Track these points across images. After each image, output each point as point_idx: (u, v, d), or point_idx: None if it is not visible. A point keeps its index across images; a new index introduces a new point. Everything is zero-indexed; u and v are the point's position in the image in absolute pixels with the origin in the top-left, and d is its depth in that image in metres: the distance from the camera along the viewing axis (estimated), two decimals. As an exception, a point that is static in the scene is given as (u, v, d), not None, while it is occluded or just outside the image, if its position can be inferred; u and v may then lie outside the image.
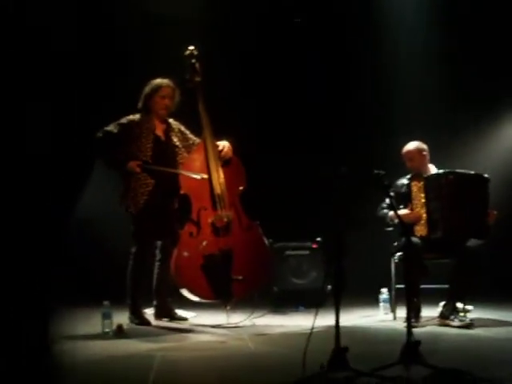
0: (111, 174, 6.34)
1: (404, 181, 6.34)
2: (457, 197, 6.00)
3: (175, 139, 6.33)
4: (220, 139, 6.30)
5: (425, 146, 6.38)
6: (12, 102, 4.30)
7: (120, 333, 5.58)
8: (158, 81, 6.26)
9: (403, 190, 6.28)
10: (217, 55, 7.69)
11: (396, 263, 6.38)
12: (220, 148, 6.27)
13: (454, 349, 5.02)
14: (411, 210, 6.15)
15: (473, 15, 8.14)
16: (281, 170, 7.90)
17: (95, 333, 5.63)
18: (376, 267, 6.99)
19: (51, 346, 3.48)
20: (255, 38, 8.10)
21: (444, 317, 5.98)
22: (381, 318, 6.50)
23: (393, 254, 6.37)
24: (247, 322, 6.07)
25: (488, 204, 6.11)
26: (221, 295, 5.98)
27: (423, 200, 6.10)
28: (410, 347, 4.11)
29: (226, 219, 6.11)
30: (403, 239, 5.96)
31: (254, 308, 6.27)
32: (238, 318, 6.09)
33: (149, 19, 7.78)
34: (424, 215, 6.08)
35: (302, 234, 7.42)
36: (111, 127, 6.11)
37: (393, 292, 6.44)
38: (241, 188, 6.28)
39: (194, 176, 6.10)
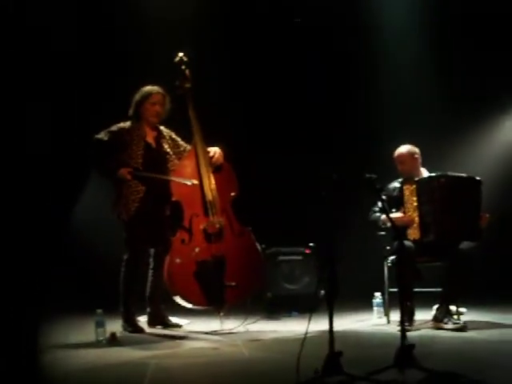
0: (103, 180, 6.33)
1: (396, 184, 6.34)
2: (449, 200, 6.00)
3: (166, 146, 6.33)
4: (211, 145, 6.30)
5: (416, 150, 6.39)
6: (12, 102, 4.29)
7: (113, 341, 5.56)
8: (148, 88, 6.26)
9: (395, 193, 6.29)
10: (210, 58, 7.71)
11: (389, 267, 6.38)
12: (211, 154, 6.26)
13: (448, 352, 5.03)
14: (403, 213, 6.15)
15: (463, 17, 8.16)
16: (273, 175, 7.92)
17: (89, 341, 5.62)
18: (369, 271, 6.99)
19: (40, 356, 3.46)
20: (251, 39, 8.11)
21: (437, 320, 5.98)
22: (374, 321, 6.50)
23: (386, 258, 6.37)
24: (241, 328, 6.06)
25: (480, 207, 6.11)
26: (214, 302, 5.97)
27: (415, 203, 6.10)
28: (404, 351, 4.11)
29: (217, 225, 6.11)
30: (396, 243, 5.96)
31: (248, 314, 6.26)
32: (232, 325, 6.08)
33: (146, 21, 7.77)
34: (416, 219, 6.08)
35: (294, 240, 7.42)
36: (101, 135, 6.11)
37: (386, 296, 6.44)
38: (232, 194, 6.28)
39: (185, 182, 6.10)
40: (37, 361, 3.45)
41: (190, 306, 6.06)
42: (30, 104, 4.50)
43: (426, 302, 6.23)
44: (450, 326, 5.84)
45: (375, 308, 6.61)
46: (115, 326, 5.98)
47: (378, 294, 6.61)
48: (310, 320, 4.28)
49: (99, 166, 6.12)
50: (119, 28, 7.58)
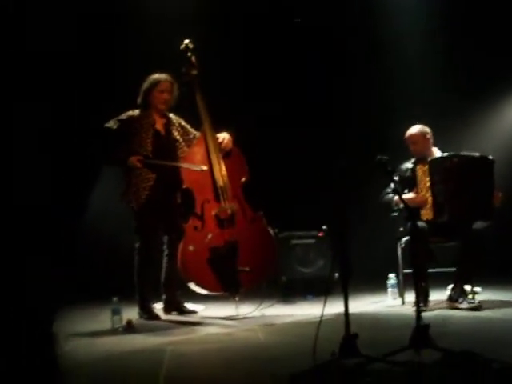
0: (113, 169, 6.34)
1: (408, 165, 6.33)
2: (462, 179, 5.98)
3: (175, 133, 6.33)
4: (220, 131, 6.30)
5: (428, 129, 6.36)
6: (9, 102, 4.29)
7: (130, 328, 5.59)
8: (156, 76, 6.25)
9: (408, 174, 6.27)
10: (216, 47, 7.69)
11: (402, 248, 6.37)
12: (220, 140, 6.26)
13: (463, 331, 5.03)
14: (416, 193, 6.14)
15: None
16: (284, 158, 7.90)
17: (105, 329, 5.65)
18: (383, 253, 6.99)
19: (56, 345, 3.48)
20: (255, 30, 8.09)
21: (452, 300, 5.99)
22: (389, 303, 6.51)
23: (399, 239, 6.37)
24: (256, 313, 6.07)
25: (493, 186, 6.09)
26: (228, 287, 5.99)
27: (428, 183, 6.09)
28: (420, 331, 4.11)
29: (229, 211, 6.12)
30: (409, 224, 5.95)
31: (263, 298, 6.28)
32: (247, 309, 6.09)
33: (147, 14, 7.77)
34: (429, 199, 6.07)
35: (307, 223, 7.42)
36: (111, 123, 6.11)
37: (400, 277, 6.43)
38: (243, 179, 6.29)
39: (194, 168, 6.10)
40: (52, 350, 3.46)
41: (204, 292, 6.09)
42: (28, 104, 4.51)
43: (440, 282, 6.22)
44: (464, 305, 5.85)
45: (390, 289, 6.62)
46: (131, 313, 6.01)
47: (392, 276, 6.62)
48: (325, 303, 4.29)
49: (108, 154, 6.13)
50: (117, 23, 7.58)
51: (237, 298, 6.04)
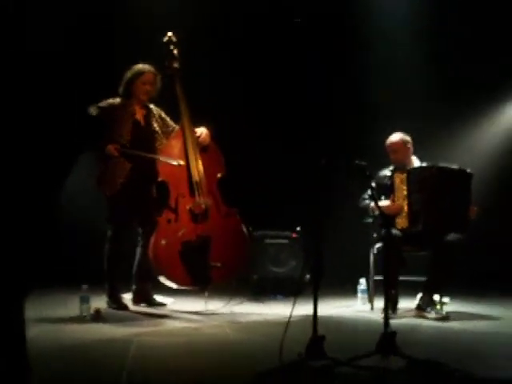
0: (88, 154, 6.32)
1: (387, 172, 6.35)
2: (439, 190, 6.02)
3: (155, 125, 6.31)
4: (198, 126, 6.29)
5: (408, 138, 6.38)
6: None
7: (97, 317, 5.56)
8: (140, 66, 6.22)
9: (385, 181, 6.29)
10: (204, 44, 7.70)
11: (375, 254, 6.40)
12: (198, 134, 6.26)
13: (429, 341, 5.07)
14: (393, 201, 6.16)
15: (460, 4, 8.16)
16: (262, 157, 7.91)
17: (73, 316, 5.62)
18: (355, 258, 7.01)
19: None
20: (244, 28, 8.11)
21: (421, 309, 6.02)
22: (358, 308, 6.53)
23: (371, 245, 6.39)
24: (225, 310, 6.08)
25: (470, 199, 6.14)
26: (199, 282, 5.99)
27: (405, 192, 6.11)
28: (387, 338, 4.14)
29: (203, 206, 6.12)
30: (383, 231, 5.98)
31: (232, 295, 6.29)
32: (216, 305, 6.10)
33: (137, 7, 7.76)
34: (405, 207, 6.09)
35: (281, 223, 7.43)
36: (91, 110, 6.07)
37: (371, 283, 6.46)
38: (219, 175, 6.29)
39: (171, 162, 6.09)
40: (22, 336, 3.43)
41: (174, 285, 6.08)
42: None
43: (410, 290, 6.25)
44: (432, 315, 5.89)
45: (359, 294, 6.64)
46: (101, 302, 5.99)
47: (362, 281, 6.64)
48: (294, 304, 4.30)
49: (86, 140, 6.10)
50: (104, 15, 7.57)
51: (206, 293, 6.04)
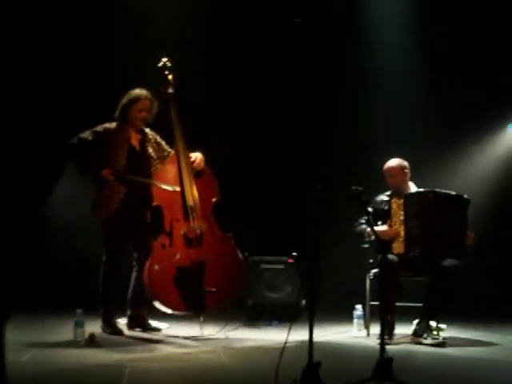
0: (84, 178, 6.31)
1: (384, 197, 6.35)
2: (436, 216, 6.02)
3: (150, 150, 6.30)
4: (193, 150, 6.28)
5: (406, 163, 6.38)
6: None
7: (92, 342, 5.53)
8: (137, 92, 6.21)
9: (382, 206, 6.29)
10: (196, 60, 7.74)
11: (371, 280, 6.38)
12: (192, 159, 6.25)
13: (426, 367, 5.04)
14: (390, 226, 6.15)
15: (455, 29, 8.22)
16: (258, 182, 7.90)
17: (67, 341, 5.58)
18: (351, 283, 6.98)
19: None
20: (237, 42, 8.14)
21: (417, 335, 5.99)
22: (354, 334, 6.48)
23: (368, 271, 6.37)
24: (220, 335, 6.04)
25: (467, 225, 6.14)
26: (193, 307, 5.96)
27: (402, 217, 6.10)
28: (383, 364, 4.12)
29: (198, 230, 6.10)
30: (379, 256, 5.96)
31: (228, 321, 6.26)
32: (212, 331, 6.06)
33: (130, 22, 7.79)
34: (402, 233, 6.08)
35: (278, 248, 7.40)
36: (86, 134, 6.09)
37: (367, 308, 6.43)
38: (214, 199, 6.27)
39: (167, 187, 6.08)
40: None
41: (169, 311, 6.05)
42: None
43: (406, 316, 6.22)
44: (429, 341, 5.86)
45: (355, 320, 6.60)
46: (95, 326, 5.95)
47: (358, 307, 6.60)
48: (290, 329, 4.28)
49: (81, 165, 6.12)
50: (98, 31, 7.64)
51: (201, 319, 6.01)
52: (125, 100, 6.22)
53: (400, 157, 6.43)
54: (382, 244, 5.36)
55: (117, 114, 6.23)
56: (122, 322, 6.32)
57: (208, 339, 5.88)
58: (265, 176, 7.93)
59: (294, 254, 7.28)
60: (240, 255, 6.25)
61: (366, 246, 6.32)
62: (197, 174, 6.26)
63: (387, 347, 4.24)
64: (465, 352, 5.65)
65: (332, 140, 8.16)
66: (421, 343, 5.88)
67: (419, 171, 6.59)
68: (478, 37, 8.25)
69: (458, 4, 8.22)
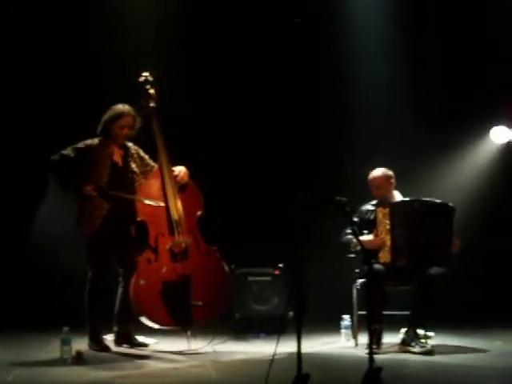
0: (66, 196, 6.27)
1: (369, 207, 6.36)
2: (422, 225, 6.04)
3: (133, 165, 6.27)
4: (176, 164, 6.26)
5: (391, 173, 6.39)
6: None
7: (79, 360, 5.49)
8: (119, 108, 6.18)
9: (368, 215, 6.30)
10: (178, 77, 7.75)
11: (358, 290, 6.37)
12: (176, 173, 6.23)
13: (415, 376, 5.04)
14: (376, 236, 6.15)
15: (438, 34, 8.27)
16: (243, 195, 7.90)
17: (54, 359, 5.54)
18: (338, 294, 6.97)
19: None
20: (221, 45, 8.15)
21: (405, 343, 5.98)
22: (343, 344, 6.48)
23: (354, 281, 6.37)
24: (208, 349, 6.01)
25: (452, 233, 6.16)
26: (180, 321, 5.94)
27: (388, 226, 6.11)
28: (372, 374, 4.11)
29: (183, 245, 6.08)
30: (366, 266, 5.96)
31: (215, 334, 6.23)
32: (199, 344, 6.03)
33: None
34: (388, 242, 6.09)
35: (264, 261, 7.39)
36: (68, 151, 6.06)
37: (355, 319, 6.42)
38: (198, 213, 6.25)
39: (151, 203, 6.06)
40: None
41: (156, 326, 6.02)
42: None
43: (394, 325, 6.22)
44: (417, 349, 5.86)
45: (343, 330, 6.59)
46: (82, 344, 5.91)
47: (346, 317, 6.59)
48: (278, 342, 4.26)
49: (63, 181, 6.09)
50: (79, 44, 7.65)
51: (189, 333, 5.99)
52: (107, 116, 6.19)
53: (384, 166, 6.43)
54: (368, 254, 5.36)
55: (99, 129, 6.21)
56: (108, 339, 6.29)
57: (196, 353, 5.86)
58: (249, 188, 7.93)
59: (281, 265, 7.27)
60: (226, 268, 6.24)
61: (352, 255, 6.32)
62: (181, 188, 6.24)
63: (376, 357, 4.23)
64: (453, 359, 5.65)
65: (316, 150, 8.19)
66: (409, 352, 5.88)
67: (403, 180, 6.60)
68: (461, 44, 8.32)
69: (443, 8, 8.27)
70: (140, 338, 6.34)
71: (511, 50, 8.29)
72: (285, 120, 8.13)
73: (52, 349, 5.79)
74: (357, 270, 6.30)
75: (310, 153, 8.17)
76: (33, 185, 7.69)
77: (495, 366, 5.39)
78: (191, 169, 6.33)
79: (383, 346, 6.01)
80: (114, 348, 6.13)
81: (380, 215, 6.18)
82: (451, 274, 6.14)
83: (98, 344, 6.04)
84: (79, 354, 5.53)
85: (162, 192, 6.16)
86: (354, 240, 6.11)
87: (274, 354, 4.17)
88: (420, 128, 8.27)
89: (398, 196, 6.39)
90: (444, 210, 6.18)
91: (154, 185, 6.20)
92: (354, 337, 6.41)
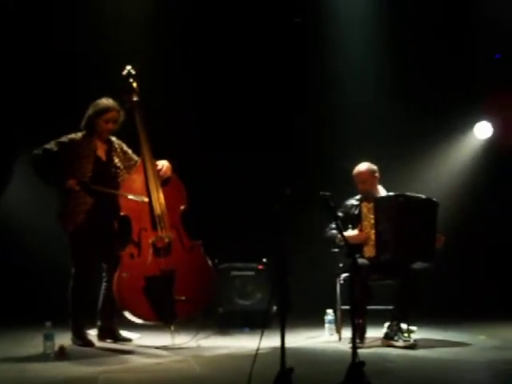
0: (51, 190, 6.23)
1: (353, 201, 6.37)
2: (407, 220, 6.05)
3: (116, 160, 6.24)
4: (160, 158, 6.24)
5: (375, 168, 6.40)
6: None
7: (62, 355, 5.47)
8: (104, 103, 6.13)
9: (353, 210, 6.31)
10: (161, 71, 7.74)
11: (341, 284, 6.38)
12: (159, 167, 6.20)
13: (397, 369, 5.05)
14: (360, 230, 6.16)
15: (423, 32, 8.30)
16: (227, 189, 7.90)
17: (36, 354, 5.52)
18: (321, 288, 6.99)
19: None
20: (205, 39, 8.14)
21: (388, 337, 6.00)
22: (326, 339, 6.50)
23: (338, 275, 6.38)
24: (192, 344, 6.01)
25: (436, 228, 6.17)
26: (164, 316, 5.92)
27: (373, 221, 6.11)
28: (355, 368, 4.11)
29: (166, 239, 6.06)
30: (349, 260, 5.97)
31: (199, 329, 6.22)
32: (183, 339, 6.02)
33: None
34: (373, 236, 6.10)
35: (247, 255, 7.39)
36: (51, 145, 6.02)
37: (338, 313, 6.43)
38: (182, 207, 6.23)
39: (135, 199, 6.04)
40: None
41: (139, 320, 6.00)
42: None
43: (377, 319, 6.24)
44: (400, 343, 5.88)
45: (327, 325, 6.61)
46: (65, 339, 5.89)
47: (330, 311, 6.61)
48: (261, 336, 4.26)
49: (46, 175, 6.03)
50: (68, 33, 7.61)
51: (172, 328, 5.97)
52: (91, 111, 6.14)
53: (368, 161, 6.44)
54: (351, 248, 5.37)
55: (83, 124, 6.17)
56: (92, 334, 6.27)
57: (179, 348, 5.85)
58: (233, 182, 7.93)
59: (264, 260, 7.28)
60: (210, 263, 6.23)
61: (336, 250, 6.33)
62: (164, 182, 6.22)
63: (359, 351, 4.23)
64: (436, 353, 5.67)
65: (301, 145, 8.20)
66: (392, 346, 5.90)
67: (388, 176, 6.61)
68: (447, 41, 8.36)
69: (430, 6, 8.30)
70: (123, 333, 6.32)
71: (496, 46, 8.34)
72: (271, 115, 8.13)
73: (35, 344, 5.76)
74: (341, 265, 6.32)
75: (296, 148, 8.18)
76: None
77: (478, 359, 5.42)
78: (174, 163, 6.31)
79: (366, 340, 6.02)
80: (97, 343, 6.11)
81: (365, 210, 6.18)
82: (435, 268, 6.16)
83: (81, 339, 6.02)
84: (62, 349, 5.51)
85: (145, 186, 6.13)
86: (339, 235, 6.13)
87: (258, 349, 4.17)
88: (405, 124, 8.31)
89: (382, 191, 6.40)
90: (429, 205, 6.20)
91: (137, 179, 6.16)
92: (338, 331, 6.43)
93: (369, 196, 6.27)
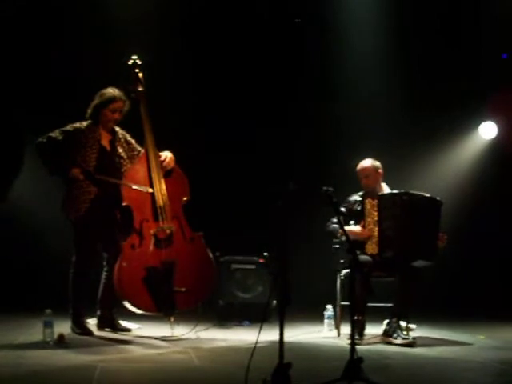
0: (54, 179, 6.22)
1: (357, 197, 6.36)
2: (410, 218, 6.04)
3: (120, 150, 6.24)
4: (163, 149, 6.23)
5: (379, 164, 6.39)
6: None
7: (61, 342, 5.48)
8: (110, 92, 6.12)
9: (356, 206, 6.31)
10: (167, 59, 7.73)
11: (342, 280, 6.38)
12: (162, 158, 6.20)
13: (396, 367, 5.05)
14: (363, 227, 6.15)
15: (425, 29, 8.29)
16: (229, 182, 7.90)
17: (36, 342, 5.53)
18: (322, 283, 6.99)
19: None
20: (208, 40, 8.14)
21: (387, 334, 6.01)
22: (325, 334, 6.50)
23: (338, 271, 6.37)
24: (191, 335, 6.01)
25: (439, 227, 6.16)
26: (163, 307, 5.93)
27: (376, 218, 6.10)
28: (353, 364, 4.12)
29: (168, 231, 6.06)
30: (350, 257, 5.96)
31: (199, 321, 6.22)
32: (182, 331, 6.03)
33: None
34: (376, 233, 6.09)
35: (249, 249, 7.40)
36: (56, 133, 6.02)
37: (338, 309, 6.43)
38: (184, 199, 6.23)
39: (140, 189, 6.03)
40: None
41: (139, 311, 6.01)
42: None
43: (377, 316, 6.24)
44: (399, 341, 5.88)
45: (326, 320, 6.61)
46: (64, 327, 5.90)
47: (329, 307, 6.61)
48: (260, 330, 4.27)
49: (50, 164, 6.02)
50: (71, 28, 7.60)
51: (172, 319, 5.98)
52: (97, 100, 6.14)
53: (372, 155, 6.44)
54: (352, 244, 5.36)
55: (88, 113, 6.16)
56: (91, 323, 6.28)
57: (178, 340, 5.86)
58: (236, 176, 7.94)
59: (265, 254, 7.27)
60: (211, 255, 6.23)
61: (337, 246, 6.32)
62: (166, 174, 6.21)
63: (357, 347, 4.25)
64: (434, 352, 5.67)
65: (304, 140, 8.20)
66: (391, 343, 5.90)
67: (392, 173, 6.61)
68: (453, 38, 8.35)
69: (429, 4, 8.29)
70: (123, 323, 6.33)
71: (502, 46, 8.33)
72: (273, 108, 8.13)
73: (34, 331, 5.78)
74: (342, 261, 6.31)
75: (298, 143, 8.18)
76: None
77: (476, 359, 5.42)
78: (177, 154, 6.30)
79: (365, 337, 6.03)
80: (96, 332, 6.12)
81: (368, 206, 6.18)
82: (435, 267, 6.16)
83: (80, 327, 6.03)
84: (61, 336, 5.53)
85: (148, 177, 6.12)
86: (340, 230, 6.13)
87: (257, 342, 4.17)
88: (409, 122, 8.30)
89: (385, 188, 6.40)
90: (432, 204, 6.19)
91: (139, 170, 6.15)
92: (337, 327, 6.43)
93: (372, 193, 6.26)
